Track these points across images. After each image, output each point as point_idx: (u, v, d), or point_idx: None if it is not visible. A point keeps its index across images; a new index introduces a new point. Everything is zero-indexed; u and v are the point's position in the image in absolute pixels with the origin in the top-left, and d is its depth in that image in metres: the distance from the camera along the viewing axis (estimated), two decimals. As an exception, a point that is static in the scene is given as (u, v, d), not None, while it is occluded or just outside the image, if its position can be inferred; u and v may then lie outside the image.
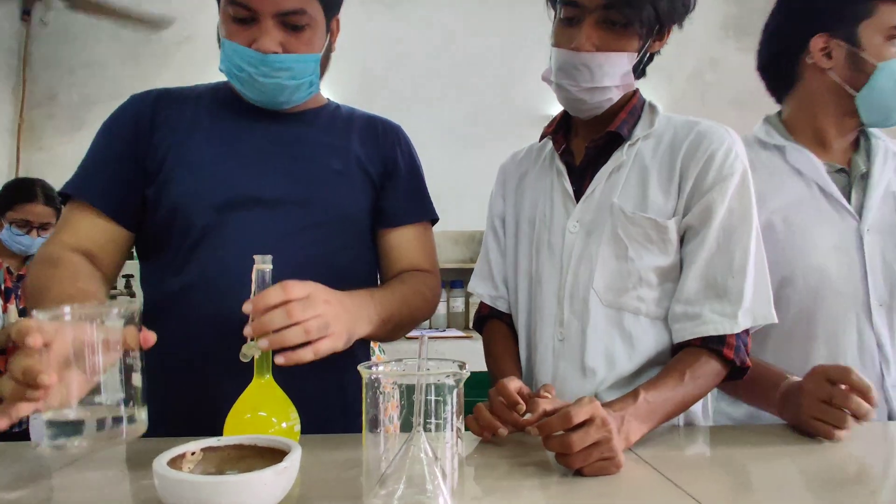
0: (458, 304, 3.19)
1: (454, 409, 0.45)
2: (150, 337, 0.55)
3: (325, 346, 0.64)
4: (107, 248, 0.81)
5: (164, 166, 0.81)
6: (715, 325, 0.72)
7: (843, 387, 0.69)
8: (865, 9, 0.96)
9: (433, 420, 0.44)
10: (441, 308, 2.57)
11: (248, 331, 0.61)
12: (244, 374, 0.62)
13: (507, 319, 0.92)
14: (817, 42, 0.99)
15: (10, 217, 1.83)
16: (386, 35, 4.46)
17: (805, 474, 0.64)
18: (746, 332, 0.74)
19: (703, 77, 4.72)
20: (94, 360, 0.49)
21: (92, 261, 0.78)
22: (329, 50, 0.87)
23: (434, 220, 0.97)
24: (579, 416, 0.56)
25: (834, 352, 0.93)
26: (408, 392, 0.45)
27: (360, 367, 0.47)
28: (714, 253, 0.74)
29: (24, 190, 1.87)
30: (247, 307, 0.61)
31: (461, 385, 0.46)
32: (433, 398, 0.44)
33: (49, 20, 4.30)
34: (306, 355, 0.62)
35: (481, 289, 0.94)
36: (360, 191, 0.88)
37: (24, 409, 0.50)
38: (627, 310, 0.77)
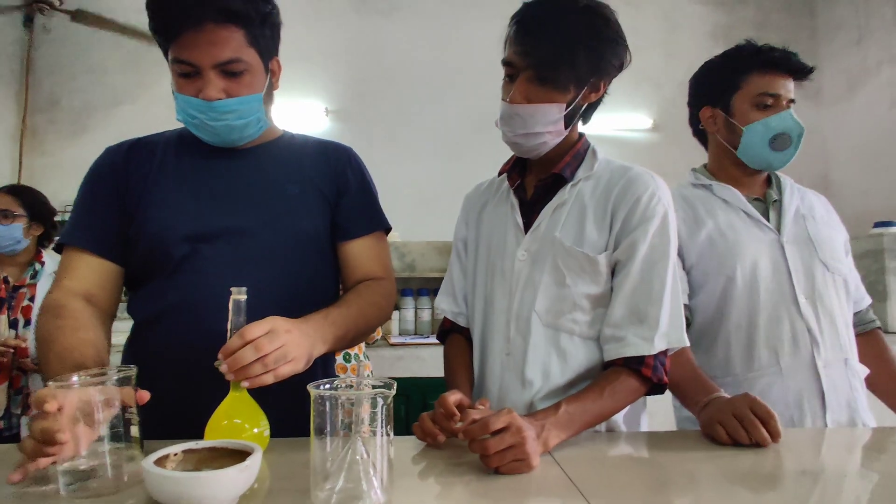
0: (444, 311, 3.28)
1: (383, 419, 0.55)
2: (145, 395, 0.67)
3: (286, 371, 0.74)
4: (104, 285, 0.93)
5: (139, 206, 0.92)
6: (636, 346, 0.83)
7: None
8: (735, 83, 1.24)
9: (369, 426, 0.55)
10: (425, 315, 2.65)
11: (224, 368, 0.71)
12: (222, 386, 0.72)
13: (466, 333, 1.04)
14: (705, 112, 1.32)
15: None
16: (381, 42, 4.56)
17: (702, 474, 0.75)
18: (664, 352, 0.85)
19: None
20: (97, 416, 0.61)
21: (93, 301, 0.90)
22: (272, 87, 0.97)
23: (387, 229, 1.06)
24: (496, 424, 0.67)
25: (773, 338, 1.15)
26: (348, 405, 0.55)
27: (309, 387, 0.58)
28: (637, 284, 0.85)
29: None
30: (219, 356, 0.72)
31: (389, 400, 0.57)
32: (369, 411, 0.55)
33: (51, 27, 4.40)
34: (267, 379, 0.72)
35: (445, 304, 1.05)
36: (318, 210, 0.98)
37: (42, 462, 0.62)
38: (563, 330, 0.88)
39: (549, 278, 0.88)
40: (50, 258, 2.09)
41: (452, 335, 1.05)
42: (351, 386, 0.58)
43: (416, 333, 2.46)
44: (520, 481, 0.65)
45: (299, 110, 4.50)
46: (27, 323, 1.93)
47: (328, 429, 0.56)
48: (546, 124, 0.88)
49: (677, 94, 4.82)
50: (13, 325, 1.91)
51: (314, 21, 4.54)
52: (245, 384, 0.71)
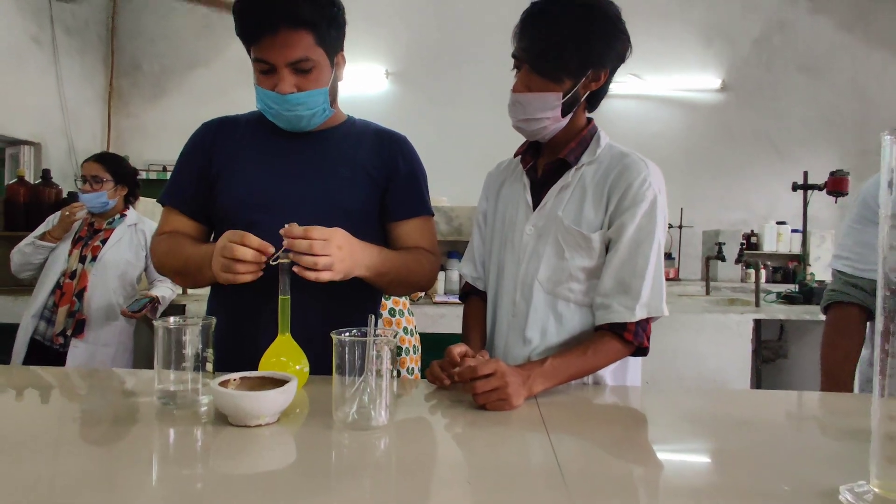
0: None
1: (387, 360, 0.68)
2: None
3: (324, 277, 0.87)
4: (192, 235, 1.11)
5: (220, 178, 1.09)
6: (620, 314, 0.92)
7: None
8: None
9: (379, 367, 0.68)
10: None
11: (283, 231, 0.87)
12: (275, 330, 0.88)
13: (483, 296, 1.14)
14: None
15: (83, 172, 2.25)
16: (442, 5, 4.56)
17: (657, 416, 0.87)
18: (646, 320, 0.93)
19: (769, 41, 4.52)
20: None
21: None
22: (336, 79, 1.09)
23: (430, 214, 1.16)
24: (483, 370, 0.80)
25: None
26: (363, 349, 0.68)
27: (332, 334, 0.70)
28: (625, 259, 0.93)
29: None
30: (283, 230, 0.87)
31: (392, 345, 0.70)
32: (376, 354, 0.68)
33: (134, -8, 4.68)
34: (309, 276, 0.86)
35: (466, 269, 1.16)
36: (365, 191, 1.09)
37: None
38: (561, 297, 0.99)
39: (551, 251, 0.98)
40: (133, 213, 2.34)
41: (471, 297, 1.16)
42: (364, 334, 0.70)
43: (446, 293, 2.58)
44: (499, 415, 0.78)
45: (361, 73, 4.62)
46: (93, 259, 2.20)
47: (346, 366, 0.69)
48: (544, 111, 0.96)
49: (752, 51, 4.58)
50: (82, 259, 2.21)
51: (372, -17, 4.59)
52: (295, 268, 0.86)
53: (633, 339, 0.92)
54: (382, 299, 1.97)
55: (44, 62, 4.01)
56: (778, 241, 3.92)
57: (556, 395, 0.89)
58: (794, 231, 3.89)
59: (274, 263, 0.87)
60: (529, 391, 0.84)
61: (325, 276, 0.87)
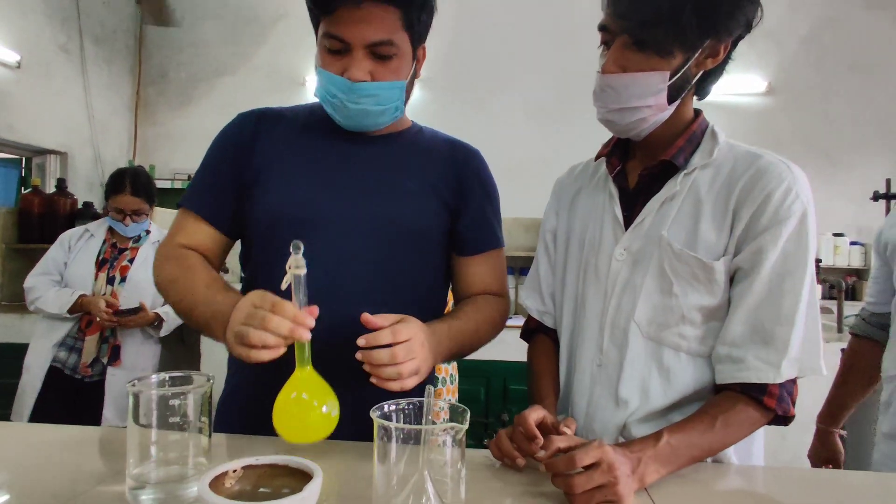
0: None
1: (452, 452, 0.50)
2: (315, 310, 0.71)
3: (410, 384, 0.72)
4: (212, 250, 0.93)
5: (257, 183, 0.90)
6: (757, 372, 0.70)
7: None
8: None
9: (439, 462, 0.50)
10: (510, 295, 2.57)
11: (360, 356, 0.71)
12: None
13: (552, 335, 0.93)
14: None
15: (109, 206, 2.09)
16: (473, 9, 4.40)
17: None
18: (793, 381, 0.72)
19: (819, 39, 4.24)
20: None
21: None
22: (415, 76, 0.92)
23: (502, 246, 1.00)
24: (584, 460, 0.59)
25: None
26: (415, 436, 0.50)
27: (372, 413, 0.53)
28: (763, 298, 0.71)
29: (116, 181, 2.12)
30: (360, 342, 0.71)
31: (461, 435, 0.51)
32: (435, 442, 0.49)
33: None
34: (393, 387, 0.71)
35: (530, 301, 0.95)
36: (433, 212, 0.91)
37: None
38: (668, 345, 0.77)
39: (652, 284, 0.77)
40: (156, 228, 2.23)
41: (538, 336, 0.95)
42: (419, 407, 0.52)
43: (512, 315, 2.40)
44: None
45: (388, 79, 4.50)
46: (122, 280, 2.11)
47: (392, 459, 0.51)
48: (644, 97, 0.74)
49: (800, 51, 4.32)
50: (110, 281, 2.09)
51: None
52: (374, 380, 0.71)
53: (775, 405, 0.70)
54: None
55: (71, 72, 3.97)
56: (835, 255, 3.66)
57: (669, 482, 0.68)
58: (853, 244, 3.63)
59: (284, 288, 0.70)
60: (640, 482, 0.64)
61: (410, 384, 0.72)
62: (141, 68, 4.66)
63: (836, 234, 3.76)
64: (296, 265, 0.68)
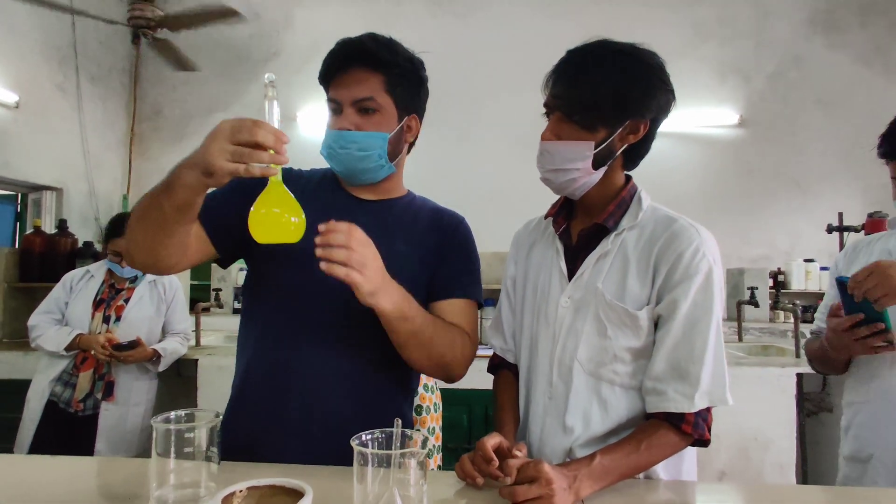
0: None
1: (416, 475, 0.61)
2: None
3: (355, 277, 0.79)
4: (193, 245, 0.98)
5: None
6: (676, 402, 0.82)
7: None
8: None
9: (406, 482, 0.62)
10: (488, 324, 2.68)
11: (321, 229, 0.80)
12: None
13: (514, 370, 1.05)
14: None
15: (108, 248, 2.19)
16: (455, 45, 4.60)
17: None
18: (707, 409, 0.84)
19: (785, 76, 4.47)
20: None
21: None
22: (403, 141, 1.06)
23: (479, 302, 1.07)
24: (524, 475, 0.72)
25: None
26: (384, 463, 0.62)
27: (352, 441, 0.64)
28: (679, 340, 0.84)
29: (116, 226, 2.22)
30: (320, 227, 0.80)
31: (421, 457, 0.63)
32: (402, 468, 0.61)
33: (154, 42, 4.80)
34: (339, 271, 0.78)
35: (494, 340, 1.08)
36: (417, 269, 1.03)
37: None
38: (604, 379, 0.89)
39: (591, 328, 0.89)
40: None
41: (502, 371, 1.07)
42: (391, 436, 0.64)
43: (480, 344, 2.50)
44: None
45: (376, 114, 4.66)
46: (117, 319, 2.19)
47: (368, 479, 0.62)
48: (574, 161, 0.89)
49: (767, 87, 4.55)
50: (106, 320, 2.19)
51: (390, 24, 4.64)
52: (323, 265, 0.79)
53: (691, 431, 0.82)
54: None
55: (68, 109, 4.09)
56: (807, 280, 3.81)
57: (603, 496, 0.80)
58: (822, 269, 3.78)
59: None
60: (576, 496, 0.75)
61: (355, 277, 0.79)
62: (136, 105, 4.79)
63: (806, 260, 3.91)
64: (271, 93, 0.78)
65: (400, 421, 0.66)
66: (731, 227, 4.36)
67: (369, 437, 0.65)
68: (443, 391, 2.04)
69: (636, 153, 0.94)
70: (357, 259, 0.79)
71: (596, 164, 0.90)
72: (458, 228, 1.10)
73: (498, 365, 1.09)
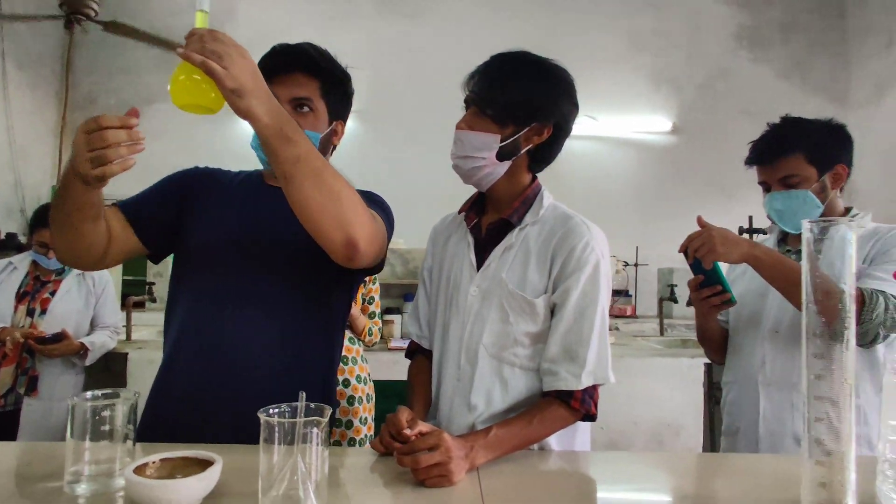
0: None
1: (318, 441, 0.67)
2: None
3: (210, 65, 0.73)
4: (119, 237, 1.03)
5: (192, 211, 1.08)
6: (566, 381, 0.92)
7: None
8: None
9: (309, 447, 0.67)
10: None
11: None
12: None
13: (428, 355, 1.13)
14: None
15: (34, 239, 2.13)
16: (404, 45, 4.64)
17: (606, 488, 0.87)
18: (594, 387, 0.94)
19: (714, 87, 4.75)
20: None
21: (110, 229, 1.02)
22: (329, 143, 1.12)
23: (386, 224, 1.05)
24: (425, 443, 0.78)
25: None
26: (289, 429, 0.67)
27: (259, 413, 0.68)
28: (570, 326, 0.94)
29: (41, 216, 2.15)
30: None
31: (322, 426, 0.68)
32: (306, 434, 0.66)
33: (90, 29, 4.62)
34: (195, 57, 0.73)
35: (411, 328, 1.15)
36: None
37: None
38: (506, 362, 0.98)
39: (495, 315, 0.98)
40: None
41: (417, 356, 1.15)
42: (295, 409, 0.69)
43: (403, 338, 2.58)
44: (438, 492, 0.76)
45: (322, 110, 4.63)
46: (43, 312, 2.14)
47: (274, 447, 0.66)
48: (481, 150, 0.98)
49: (697, 96, 4.81)
50: (30, 313, 2.12)
51: (338, 23, 4.64)
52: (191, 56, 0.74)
53: (579, 406, 0.92)
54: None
55: (-8, 96, 3.90)
56: (728, 279, 4.04)
57: (499, 464, 0.87)
58: (742, 269, 4.03)
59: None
60: (472, 464, 0.82)
61: (211, 65, 0.74)
62: (68, 94, 4.59)
63: (729, 261, 4.16)
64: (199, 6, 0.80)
65: (304, 394, 0.71)
66: (662, 229, 4.59)
67: (276, 410, 0.70)
68: (375, 383, 2.08)
69: (541, 156, 1.04)
70: (215, 49, 0.74)
71: (501, 157, 0.99)
72: (371, 199, 1.11)
73: (414, 351, 1.15)
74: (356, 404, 1.96)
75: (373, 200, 1.07)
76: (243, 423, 0.94)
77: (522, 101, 0.96)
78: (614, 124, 4.68)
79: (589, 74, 4.81)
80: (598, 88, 4.60)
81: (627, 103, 4.75)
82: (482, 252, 1.04)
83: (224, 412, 0.98)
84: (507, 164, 1.00)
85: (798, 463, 0.63)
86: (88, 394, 0.76)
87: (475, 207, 1.09)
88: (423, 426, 0.83)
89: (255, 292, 1.02)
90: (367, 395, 2.01)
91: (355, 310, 2.03)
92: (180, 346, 1.04)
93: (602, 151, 4.68)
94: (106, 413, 0.75)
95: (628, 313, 3.98)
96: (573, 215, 1.01)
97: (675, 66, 4.83)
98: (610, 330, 3.42)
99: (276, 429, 0.67)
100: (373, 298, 2.15)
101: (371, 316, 2.12)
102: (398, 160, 4.59)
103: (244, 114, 0.78)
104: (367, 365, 2.08)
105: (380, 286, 2.18)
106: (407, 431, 0.81)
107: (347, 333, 2.07)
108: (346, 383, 1.96)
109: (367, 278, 2.17)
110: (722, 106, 4.74)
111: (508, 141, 0.98)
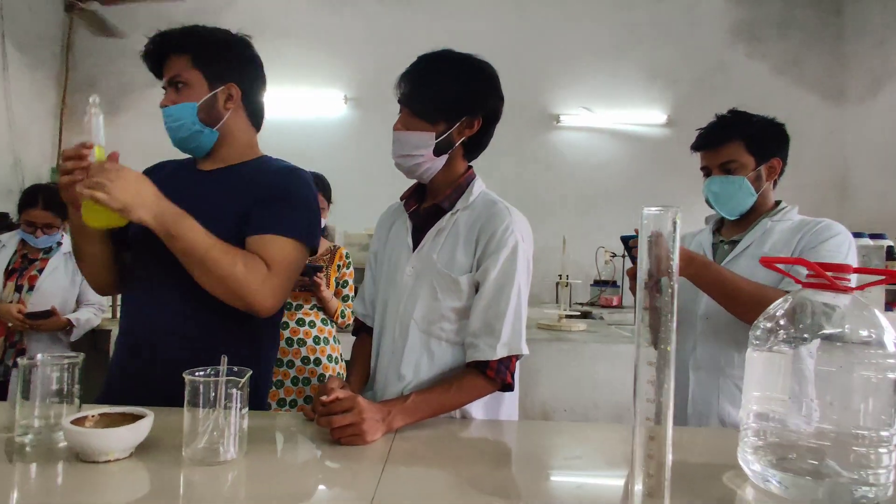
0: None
1: (238, 399, 0.73)
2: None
3: (97, 196, 0.89)
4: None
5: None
6: (483, 352, 0.98)
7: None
8: None
9: (228, 403, 0.73)
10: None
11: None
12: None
13: (371, 332, 1.19)
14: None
15: (22, 218, 2.19)
16: (401, 31, 4.67)
17: (503, 455, 0.92)
18: (510, 358, 0.99)
19: (709, 81, 4.75)
20: None
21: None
22: (214, 107, 1.12)
23: (298, 238, 1.07)
24: (340, 405, 0.85)
25: None
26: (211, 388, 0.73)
27: (185, 374, 0.74)
28: (489, 301, 1.00)
29: (29, 196, 2.23)
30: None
31: (241, 385, 0.74)
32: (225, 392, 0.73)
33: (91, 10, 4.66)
34: (85, 193, 0.90)
35: (357, 307, 1.23)
36: (232, 221, 1.06)
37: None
38: (433, 336, 1.05)
39: (426, 292, 1.05)
40: (68, 239, 2.34)
41: (361, 333, 1.22)
42: (218, 371, 0.75)
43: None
44: (351, 450, 0.83)
45: (319, 98, 4.67)
46: (30, 289, 2.22)
47: (198, 404, 0.72)
48: (418, 148, 1.05)
49: (693, 90, 4.81)
50: (18, 289, 2.20)
51: (336, 10, 4.67)
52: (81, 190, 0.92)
53: (494, 375, 0.98)
54: (308, 327, 2.01)
55: (-8, 77, 3.96)
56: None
57: (420, 429, 0.94)
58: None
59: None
60: (389, 426, 0.89)
61: (98, 196, 0.90)
62: (68, 76, 4.65)
63: (716, 254, 4.19)
64: (94, 111, 0.97)
65: (226, 357, 0.77)
66: (652, 221, 4.62)
67: (202, 372, 0.76)
68: (348, 363, 2.15)
69: (474, 146, 1.11)
70: (98, 180, 0.90)
71: (437, 152, 1.06)
72: (285, 176, 1.13)
73: (360, 328, 1.23)
74: (325, 361, 2.04)
75: (289, 201, 1.09)
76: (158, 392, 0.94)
77: (450, 98, 1.03)
78: (609, 116, 4.69)
79: (585, 66, 4.86)
80: (594, 80, 4.61)
81: (623, 96, 4.76)
82: (419, 236, 1.10)
83: (142, 383, 1.08)
84: (444, 158, 1.07)
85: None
86: (38, 356, 0.83)
87: (415, 195, 1.16)
88: (339, 392, 0.88)
89: (176, 277, 1.02)
90: (339, 373, 2.08)
91: (328, 293, 2.10)
92: (120, 327, 1.15)
93: (596, 143, 4.70)
94: (55, 374, 0.81)
95: (614, 303, 4.03)
96: (498, 201, 1.08)
97: (670, 59, 4.83)
98: (595, 319, 3.47)
99: (202, 387, 0.74)
100: (346, 282, 2.21)
101: (345, 299, 2.18)
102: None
103: (137, 222, 0.94)
104: (339, 346, 2.14)
105: (354, 270, 2.24)
106: (323, 398, 0.87)
107: (321, 315, 2.13)
108: (318, 362, 2.03)
109: (341, 262, 2.23)
110: (717, 100, 4.67)
111: (442, 137, 1.04)
